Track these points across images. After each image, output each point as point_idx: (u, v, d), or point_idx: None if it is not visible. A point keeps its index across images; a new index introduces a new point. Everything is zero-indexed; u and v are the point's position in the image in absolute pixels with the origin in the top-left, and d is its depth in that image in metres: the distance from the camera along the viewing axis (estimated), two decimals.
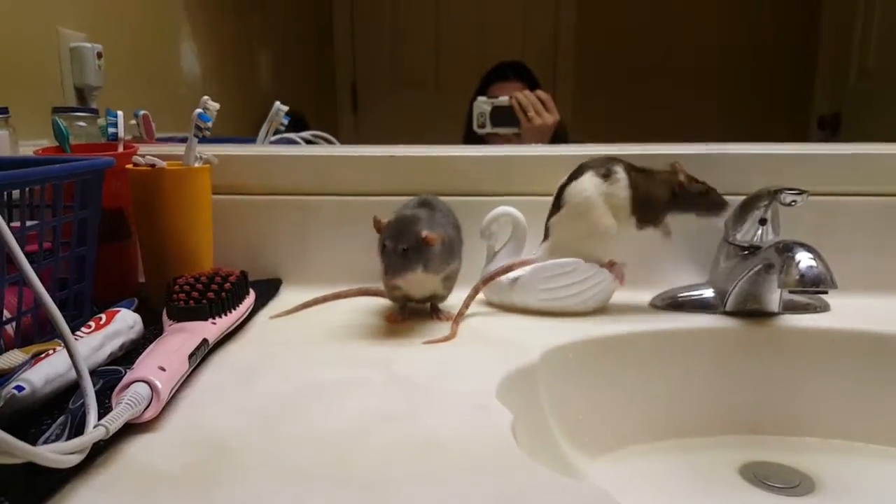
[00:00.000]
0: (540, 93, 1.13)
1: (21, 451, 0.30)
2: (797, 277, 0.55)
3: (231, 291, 0.56)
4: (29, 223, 0.50)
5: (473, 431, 0.42)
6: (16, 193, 0.53)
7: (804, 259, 0.56)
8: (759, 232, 0.63)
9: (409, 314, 0.64)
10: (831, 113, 2.06)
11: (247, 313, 0.61)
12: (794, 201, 0.59)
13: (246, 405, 0.46)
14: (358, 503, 0.35)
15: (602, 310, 0.65)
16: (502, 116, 1.03)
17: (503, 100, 1.04)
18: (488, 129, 1.02)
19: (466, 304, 0.64)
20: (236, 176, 0.73)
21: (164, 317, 0.55)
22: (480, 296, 0.69)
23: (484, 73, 1.44)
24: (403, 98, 2.33)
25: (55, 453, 0.33)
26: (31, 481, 0.35)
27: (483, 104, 1.01)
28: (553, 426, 0.55)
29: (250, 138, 0.92)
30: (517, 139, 1.13)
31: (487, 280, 0.65)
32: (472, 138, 1.16)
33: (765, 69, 2.27)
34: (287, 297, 0.70)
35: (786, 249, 0.57)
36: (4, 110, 0.66)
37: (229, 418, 0.44)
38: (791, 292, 0.60)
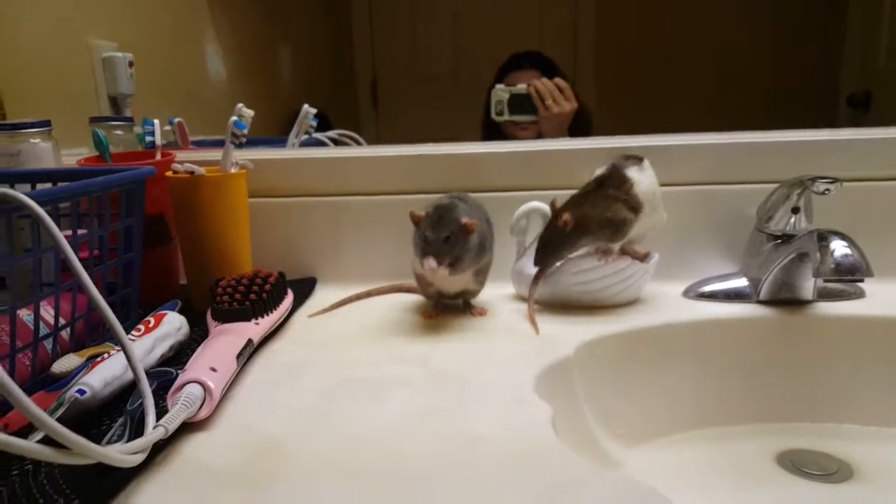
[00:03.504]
0: (558, 80, 1.12)
1: (94, 452, 0.31)
2: (832, 266, 0.55)
3: (271, 292, 0.58)
4: (80, 232, 0.52)
5: (515, 426, 0.43)
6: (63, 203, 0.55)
7: (839, 248, 0.56)
8: (792, 220, 0.63)
9: (443, 310, 0.65)
10: (861, 91, 2.01)
11: (286, 313, 0.62)
12: (827, 190, 0.59)
13: (293, 403, 0.47)
14: (407, 499, 0.36)
15: (634, 302, 0.66)
16: (520, 104, 1.03)
17: (521, 87, 1.04)
18: (506, 117, 1.02)
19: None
20: (270, 179, 0.75)
21: (209, 318, 0.57)
22: (511, 290, 0.70)
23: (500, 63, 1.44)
24: (423, 92, 2.33)
25: (122, 453, 0.35)
26: (99, 480, 0.37)
27: (501, 92, 1.01)
28: (589, 418, 0.56)
29: (279, 139, 0.94)
30: (535, 127, 1.13)
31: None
32: (490, 126, 1.16)
33: (792, 47, 2.22)
34: (322, 295, 0.72)
35: (820, 238, 0.57)
36: (47, 123, 0.68)
37: (278, 416, 0.45)
38: (826, 281, 0.60)
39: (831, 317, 0.62)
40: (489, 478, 0.38)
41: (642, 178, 0.62)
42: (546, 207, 0.67)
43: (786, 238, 0.63)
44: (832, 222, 0.60)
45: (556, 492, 0.36)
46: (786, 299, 0.63)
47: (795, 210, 0.63)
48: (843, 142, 0.71)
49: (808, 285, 0.63)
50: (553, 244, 0.62)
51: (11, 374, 0.46)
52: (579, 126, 1.15)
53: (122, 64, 0.93)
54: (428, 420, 0.44)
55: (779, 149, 0.71)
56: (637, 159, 0.63)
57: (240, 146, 0.63)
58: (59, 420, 0.40)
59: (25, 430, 0.42)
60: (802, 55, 2.20)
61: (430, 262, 0.55)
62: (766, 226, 0.65)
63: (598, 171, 0.63)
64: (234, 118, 0.61)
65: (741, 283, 0.66)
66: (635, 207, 0.61)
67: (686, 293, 0.67)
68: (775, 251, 0.63)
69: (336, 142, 0.98)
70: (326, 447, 0.41)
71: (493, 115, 1.02)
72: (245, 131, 0.62)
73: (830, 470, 0.55)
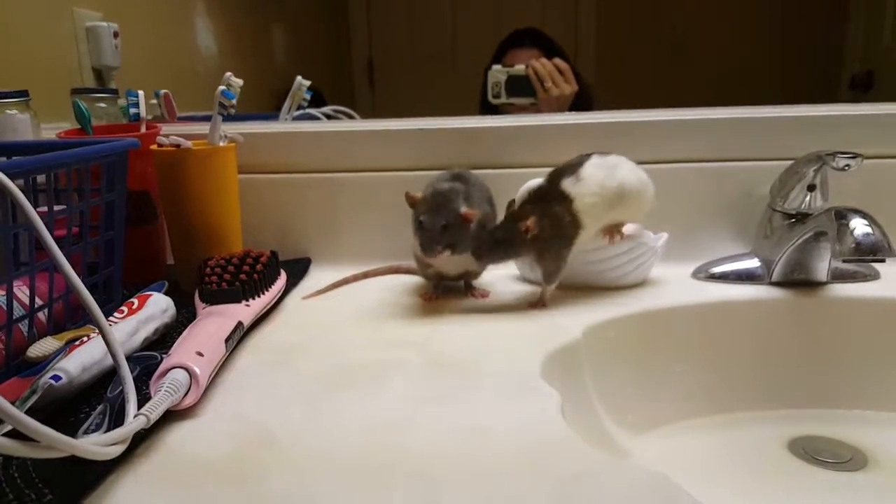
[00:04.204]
0: (558, 61, 1.09)
1: (64, 444, 0.29)
2: (853, 245, 0.52)
3: (263, 272, 0.55)
4: (56, 208, 0.49)
5: (523, 415, 0.40)
6: (41, 178, 0.51)
7: (860, 226, 0.53)
8: (808, 198, 0.61)
9: (443, 292, 0.63)
10: (864, 71, 1.99)
11: (279, 294, 0.59)
12: (847, 165, 0.56)
13: (285, 389, 0.45)
14: (409, 493, 0.34)
15: (643, 283, 0.63)
16: (518, 86, 0.99)
17: (519, 69, 1.00)
18: (503, 100, 0.98)
19: None
20: (261, 154, 0.71)
21: (197, 299, 0.54)
22: (514, 270, 0.67)
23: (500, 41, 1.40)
24: (420, 72, 2.29)
25: (97, 445, 0.32)
26: (74, 474, 0.34)
27: (498, 73, 0.97)
28: (597, 404, 0.53)
29: (271, 115, 0.90)
30: (533, 109, 1.10)
31: None
32: (487, 109, 1.13)
33: (795, 26, 2.19)
34: (317, 276, 0.69)
35: (839, 216, 0.54)
36: (24, 93, 0.65)
37: (270, 404, 0.43)
38: (846, 261, 0.58)
39: (845, 299, 0.60)
40: (497, 471, 0.35)
41: (581, 191, 0.57)
42: None
43: (801, 217, 0.61)
44: (843, 200, 0.57)
45: (570, 485, 0.34)
46: (799, 280, 0.61)
47: (811, 188, 0.60)
48: (860, 117, 0.68)
49: (822, 266, 0.61)
50: (507, 245, 0.56)
51: None
52: (581, 108, 1.11)
53: (106, 34, 0.89)
54: (429, 409, 0.42)
55: (792, 124, 0.69)
56: (577, 165, 0.58)
57: (228, 118, 0.60)
58: (32, 408, 0.38)
59: None
60: (805, 36, 2.17)
61: (426, 256, 0.55)
62: (780, 204, 0.62)
63: (538, 183, 0.60)
64: (222, 87, 0.58)
65: (753, 263, 0.64)
66: (577, 226, 0.57)
67: (695, 274, 0.65)
68: (790, 230, 0.61)
69: (330, 118, 0.95)
70: (321, 438, 0.39)
71: (490, 98, 0.98)
72: (234, 101, 0.58)
73: (844, 458, 0.53)
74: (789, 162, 0.63)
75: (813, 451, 0.54)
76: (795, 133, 0.68)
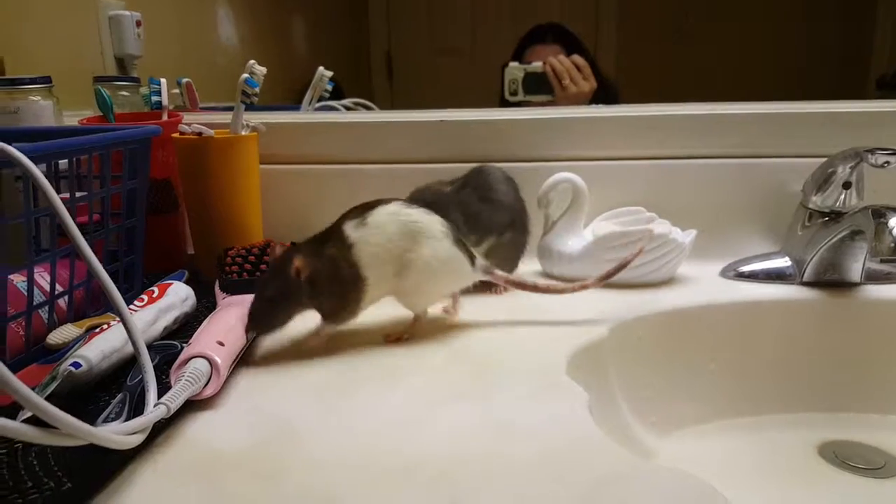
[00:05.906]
0: (576, 58, 1.07)
1: (84, 433, 0.28)
2: (892, 245, 0.51)
3: None
4: (78, 194, 0.48)
5: (549, 413, 0.39)
6: (63, 164, 0.51)
7: None
8: (843, 196, 0.59)
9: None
10: (892, 72, 1.95)
11: None
12: (887, 162, 0.54)
13: (306, 382, 0.44)
14: (431, 494, 0.33)
15: (670, 281, 0.62)
16: (536, 83, 0.97)
17: (537, 65, 0.98)
18: (520, 97, 0.96)
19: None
20: (283, 145, 0.71)
21: (217, 289, 0.53)
22: (538, 267, 0.66)
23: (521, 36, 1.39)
24: (439, 65, 2.27)
25: (117, 434, 0.31)
26: (93, 462, 0.33)
27: (515, 70, 0.95)
28: (622, 403, 0.52)
29: (292, 106, 0.90)
30: (551, 107, 1.08)
31: (605, 278, 0.54)
32: (508, 106, 1.11)
33: (821, 27, 2.15)
34: None
35: (877, 215, 0.52)
36: (47, 79, 0.65)
37: (290, 396, 0.42)
38: (883, 261, 0.56)
39: (880, 300, 0.59)
40: (523, 471, 0.34)
41: (362, 237, 0.48)
42: (577, 179, 0.63)
43: (835, 215, 0.59)
44: (878, 200, 0.55)
45: (601, 488, 0.32)
46: (831, 281, 0.59)
47: (847, 185, 0.59)
48: (894, 114, 0.66)
49: (856, 266, 0.59)
50: (281, 299, 0.46)
51: (1, 344, 0.42)
52: (604, 104, 1.10)
53: (129, 23, 0.89)
54: (452, 406, 0.40)
55: (825, 120, 0.67)
56: (368, 208, 0.49)
57: (251, 108, 0.59)
58: (51, 395, 0.38)
59: (16, 407, 0.38)
60: (831, 37, 2.12)
61: None
62: (814, 202, 0.60)
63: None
64: (246, 75, 0.57)
65: (783, 262, 0.62)
66: (358, 277, 0.48)
67: (724, 273, 0.63)
68: (823, 229, 0.59)
69: (349, 110, 0.94)
70: (341, 433, 0.38)
71: (507, 95, 0.96)
72: (257, 90, 0.58)
73: (877, 464, 0.52)
74: (821, 159, 0.61)
75: (844, 457, 0.52)
76: (828, 129, 0.66)
